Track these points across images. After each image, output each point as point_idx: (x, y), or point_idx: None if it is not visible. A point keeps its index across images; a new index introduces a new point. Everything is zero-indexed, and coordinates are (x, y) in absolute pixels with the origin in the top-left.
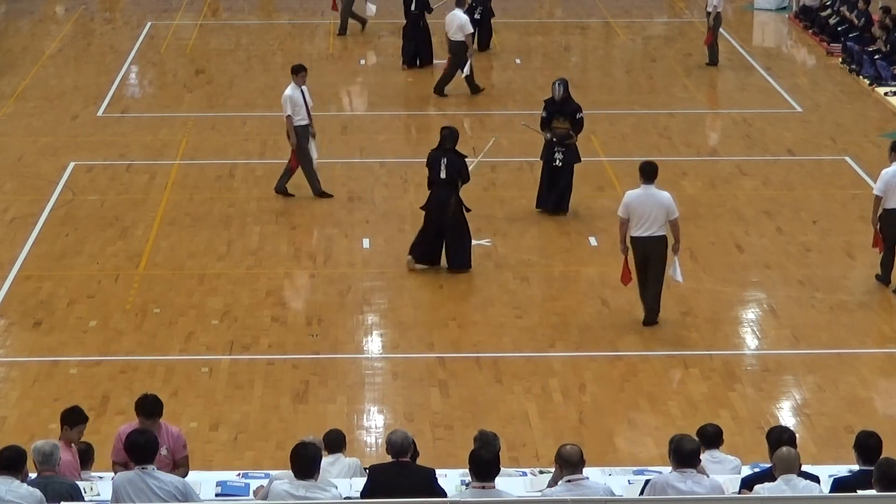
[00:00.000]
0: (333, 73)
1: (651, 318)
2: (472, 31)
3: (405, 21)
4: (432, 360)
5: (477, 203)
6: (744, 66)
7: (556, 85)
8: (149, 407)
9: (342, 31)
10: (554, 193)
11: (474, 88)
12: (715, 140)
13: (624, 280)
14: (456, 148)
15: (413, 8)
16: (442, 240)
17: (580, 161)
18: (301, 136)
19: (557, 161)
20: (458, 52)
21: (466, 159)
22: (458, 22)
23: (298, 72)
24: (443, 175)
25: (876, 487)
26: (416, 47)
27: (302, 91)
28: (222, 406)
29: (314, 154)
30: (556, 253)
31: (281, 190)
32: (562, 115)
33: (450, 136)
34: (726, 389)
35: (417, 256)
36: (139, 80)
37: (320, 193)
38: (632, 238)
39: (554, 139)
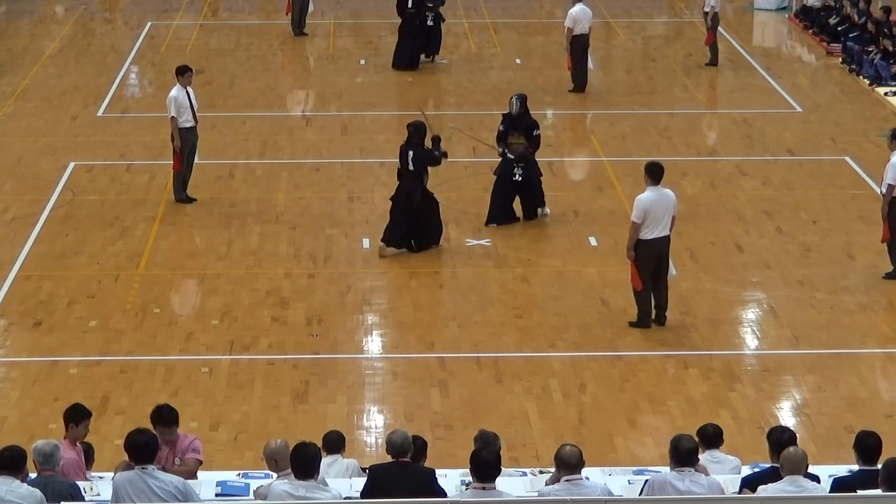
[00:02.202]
0: (333, 73)
1: (664, 318)
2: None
3: (400, 21)
4: (432, 360)
5: (477, 203)
6: (744, 66)
7: (513, 100)
8: (165, 416)
9: (300, 31)
10: (527, 205)
11: (583, 85)
12: (715, 140)
13: (638, 285)
14: (424, 142)
15: (409, 6)
16: (409, 225)
17: (542, 174)
18: (186, 138)
19: (517, 176)
20: (585, 46)
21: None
22: (590, 15)
23: (184, 72)
24: (411, 167)
25: (882, 487)
26: (415, 46)
27: (188, 92)
28: (222, 406)
29: (195, 158)
30: (556, 253)
31: (182, 199)
32: (517, 129)
33: (415, 131)
34: (726, 389)
35: (387, 240)
36: (139, 80)
37: (181, 199)
38: (646, 241)
39: (511, 156)
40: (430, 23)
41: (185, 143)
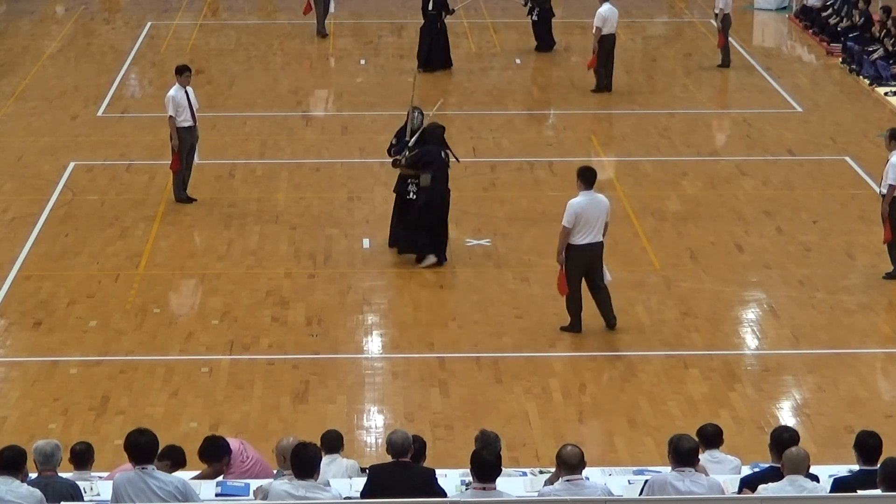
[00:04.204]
0: (333, 73)
1: (613, 320)
2: None
3: (423, 21)
4: (432, 360)
5: (477, 203)
6: (744, 66)
7: (415, 114)
8: (217, 451)
9: (323, 32)
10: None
11: (609, 85)
12: (715, 140)
13: (563, 290)
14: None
15: (430, 8)
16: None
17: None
18: (184, 138)
19: (411, 193)
20: (613, 46)
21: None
22: (617, 14)
23: (182, 72)
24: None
25: (881, 487)
26: (430, 49)
27: (186, 92)
28: (222, 406)
29: (195, 158)
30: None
31: (182, 198)
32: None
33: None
34: (726, 389)
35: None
36: (139, 80)
37: (181, 199)
38: (577, 247)
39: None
40: (534, 17)
41: (184, 143)
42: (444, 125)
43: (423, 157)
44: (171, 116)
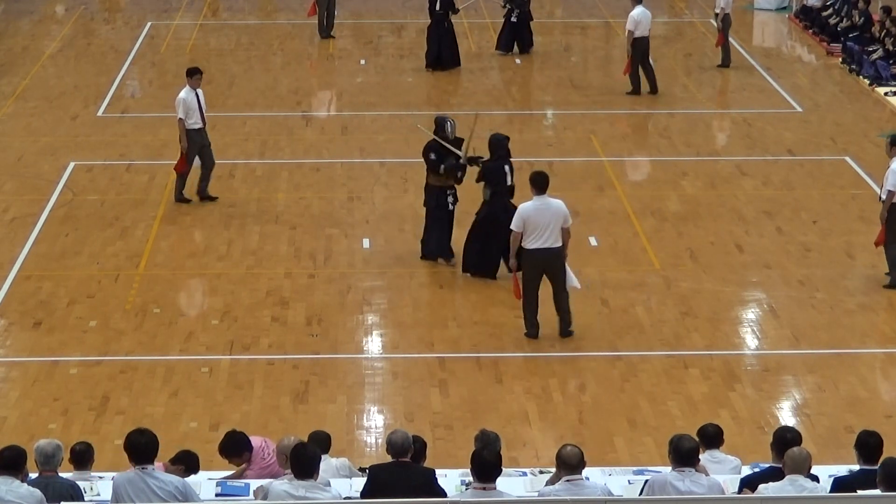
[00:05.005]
0: (333, 73)
1: (567, 328)
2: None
3: (429, 21)
4: (432, 360)
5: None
6: (744, 66)
7: (449, 124)
8: (235, 447)
9: (327, 33)
10: (445, 239)
11: (655, 87)
12: (715, 140)
13: (518, 295)
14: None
15: (438, 8)
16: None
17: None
18: (194, 140)
19: (451, 205)
20: (647, 48)
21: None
22: (650, 16)
23: (193, 74)
24: (510, 182)
25: (881, 487)
26: (440, 49)
27: (197, 94)
28: (222, 406)
29: (213, 158)
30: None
31: (180, 199)
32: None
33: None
34: (726, 389)
35: (476, 268)
36: (139, 80)
37: (180, 199)
38: (529, 251)
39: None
40: (513, 19)
41: (193, 145)
42: (507, 135)
43: (487, 172)
44: (180, 119)
